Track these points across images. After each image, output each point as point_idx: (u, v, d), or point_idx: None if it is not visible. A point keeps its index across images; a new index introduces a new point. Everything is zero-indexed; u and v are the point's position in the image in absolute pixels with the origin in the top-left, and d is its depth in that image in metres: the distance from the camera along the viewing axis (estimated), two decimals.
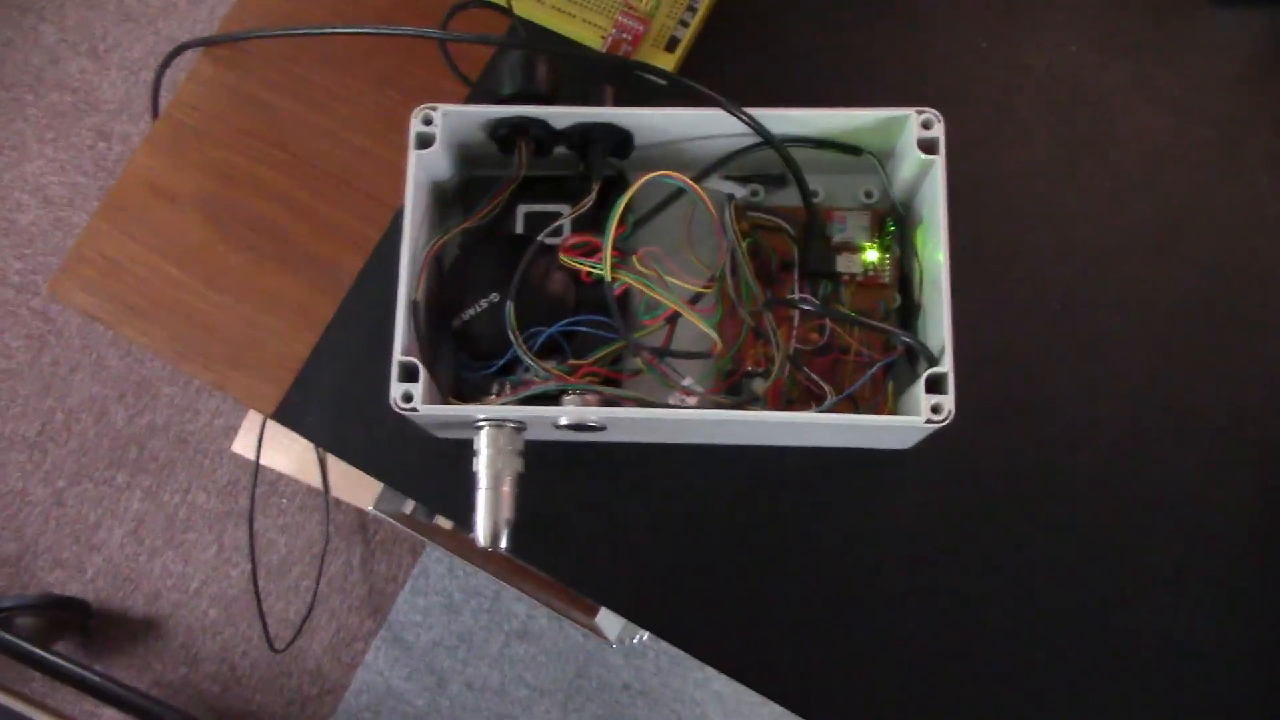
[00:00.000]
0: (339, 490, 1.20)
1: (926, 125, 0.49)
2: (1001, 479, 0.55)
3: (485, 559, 0.98)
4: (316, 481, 1.17)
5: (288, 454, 1.17)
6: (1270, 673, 0.53)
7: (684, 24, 0.59)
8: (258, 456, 1.12)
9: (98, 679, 1.15)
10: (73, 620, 1.31)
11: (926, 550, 0.55)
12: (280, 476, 1.31)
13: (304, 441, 0.61)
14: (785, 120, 0.51)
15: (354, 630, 1.31)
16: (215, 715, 1.30)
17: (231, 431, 1.36)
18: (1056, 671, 0.54)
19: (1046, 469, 0.55)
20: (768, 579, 0.55)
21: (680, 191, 0.53)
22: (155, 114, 0.65)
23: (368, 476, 0.57)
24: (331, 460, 1.10)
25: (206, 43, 0.63)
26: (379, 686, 1.30)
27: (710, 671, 0.54)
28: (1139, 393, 0.56)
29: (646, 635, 1.21)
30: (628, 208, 0.50)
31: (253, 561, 1.27)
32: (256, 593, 1.26)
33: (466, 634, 1.30)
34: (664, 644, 0.55)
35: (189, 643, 1.32)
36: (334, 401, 0.58)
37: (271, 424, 0.97)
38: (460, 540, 0.98)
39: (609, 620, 0.97)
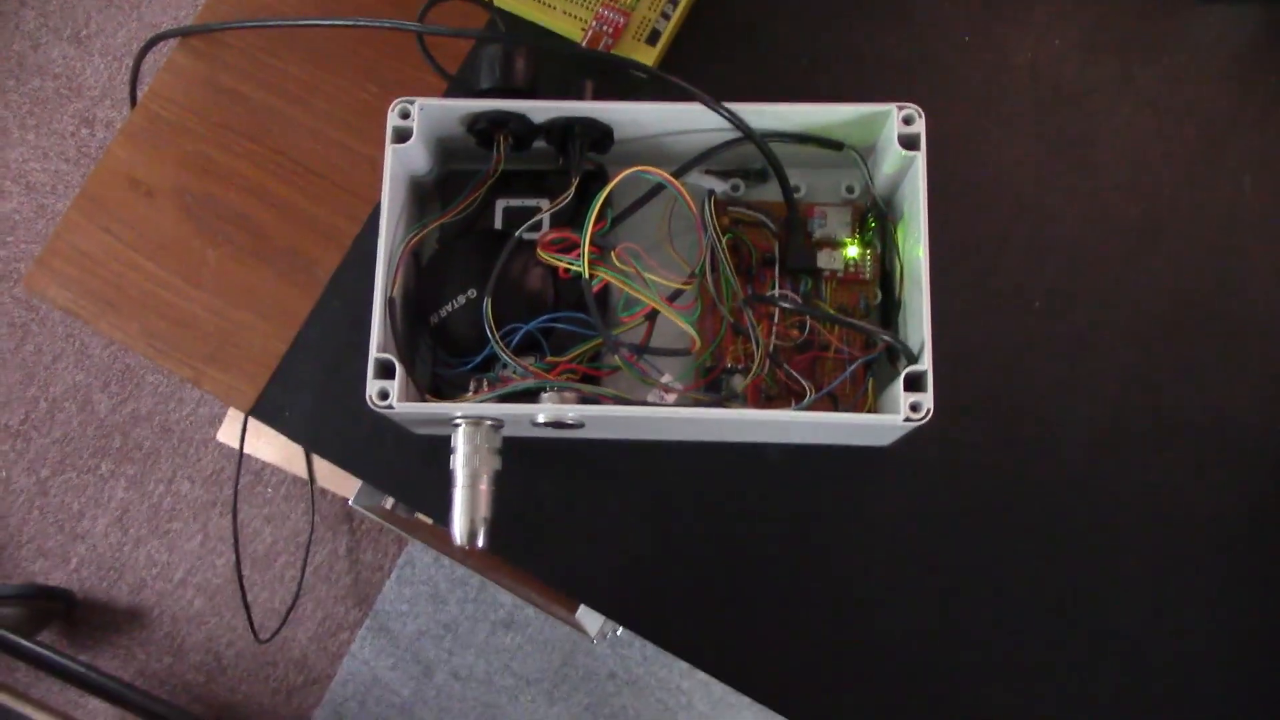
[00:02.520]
0: (325, 480, 1.19)
1: (908, 121, 0.49)
2: (981, 475, 0.55)
3: (465, 555, 0.98)
4: (302, 471, 1.16)
5: (273, 443, 1.16)
6: (1251, 672, 0.53)
7: (665, 16, 0.58)
8: (241, 446, 1.11)
9: (82, 669, 1.15)
10: (56, 610, 1.31)
11: (906, 546, 0.55)
12: (265, 466, 1.31)
13: None
14: (766, 115, 0.50)
15: (340, 620, 1.31)
16: (201, 706, 1.30)
17: (217, 420, 1.36)
18: (1035, 668, 0.54)
19: (1026, 466, 0.55)
20: (746, 576, 0.55)
21: (660, 187, 0.53)
22: (134, 105, 0.64)
23: None
24: None
25: (182, 33, 0.62)
26: (365, 676, 1.29)
27: None
28: (1119, 391, 0.56)
29: None
30: (607, 203, 0.50)
31: (236, 551, 1.26)
32: (241, 583, 1.25)
33: (452, 623, 1.30)
34: None
35: (174, 633, 1.32)
36: (312, 398, 0.57)
37: None
38: (441, 536, 0.98)
39: (589, 616, 0.96)
